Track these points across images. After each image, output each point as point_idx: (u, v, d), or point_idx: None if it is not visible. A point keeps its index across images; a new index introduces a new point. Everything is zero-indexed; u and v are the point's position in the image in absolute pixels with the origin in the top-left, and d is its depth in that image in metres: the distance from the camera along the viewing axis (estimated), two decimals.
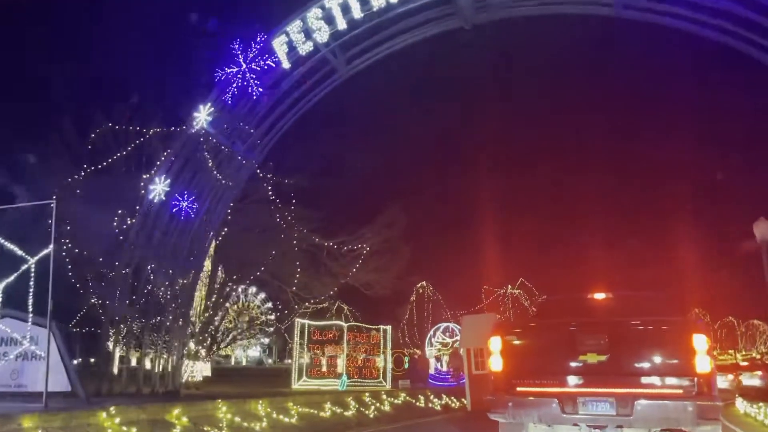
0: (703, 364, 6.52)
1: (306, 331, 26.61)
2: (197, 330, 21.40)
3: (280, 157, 21.93)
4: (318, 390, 24.30)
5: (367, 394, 19.51)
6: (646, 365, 6.87)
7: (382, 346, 28.47)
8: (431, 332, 40.68)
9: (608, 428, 6.75)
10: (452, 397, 23.57)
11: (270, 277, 24.59)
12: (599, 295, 8.71)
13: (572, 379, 6.96)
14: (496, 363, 7.37)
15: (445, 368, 36.66)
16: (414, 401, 21.64)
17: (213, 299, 21.87)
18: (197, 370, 21.54)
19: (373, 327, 30.14)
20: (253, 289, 38.60)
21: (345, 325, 28.16)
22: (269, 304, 41.53)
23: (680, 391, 6.53)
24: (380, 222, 24.58)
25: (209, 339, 21.70)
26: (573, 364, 6.99)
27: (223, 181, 18.24)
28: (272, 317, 40.28)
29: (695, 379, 6.52)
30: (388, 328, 29.44)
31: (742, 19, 14.32)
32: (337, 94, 19.93)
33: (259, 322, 38.78)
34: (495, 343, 7.38)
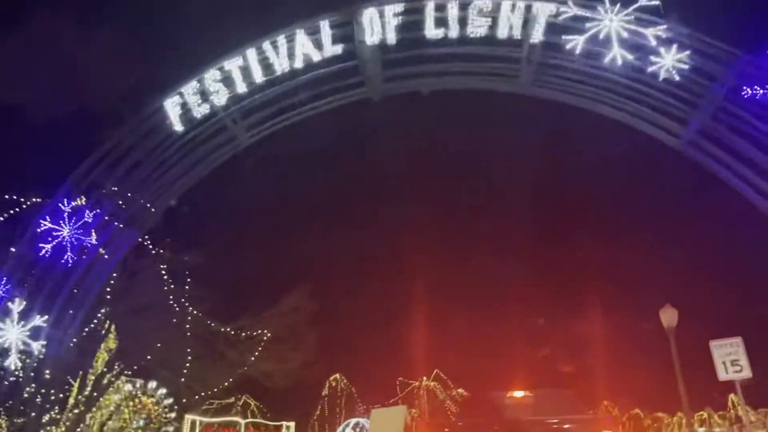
0: None
1: (197, 428, 23.61)
2: (63, 430, 18.16)
3: (175, 228, 20.08)
4: None
5: None
6: None
7: None
8: (340, 429, 37.81)
9: None
10: None
11: (158, 366, 21.84)
12: (517, 394, 9.01)
13: None
14: None
15: None
16: None
17: (86, 392, 18.83)
18: None
19: (275, 423, 27.37)
20: (153, 383, 34.55)
21: (242, 421, 25.35)
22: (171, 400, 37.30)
23: None
24: (285, 306, 22.69)
25: None
26: None
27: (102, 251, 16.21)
28: (173, 415, 36.09)
29: None
30: (292, 424, 26.74)
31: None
32: (242, 162, 18.75)
33: (155, 423, 34.41)
34: None
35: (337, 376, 64.55)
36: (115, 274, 18.55)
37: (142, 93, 15.87)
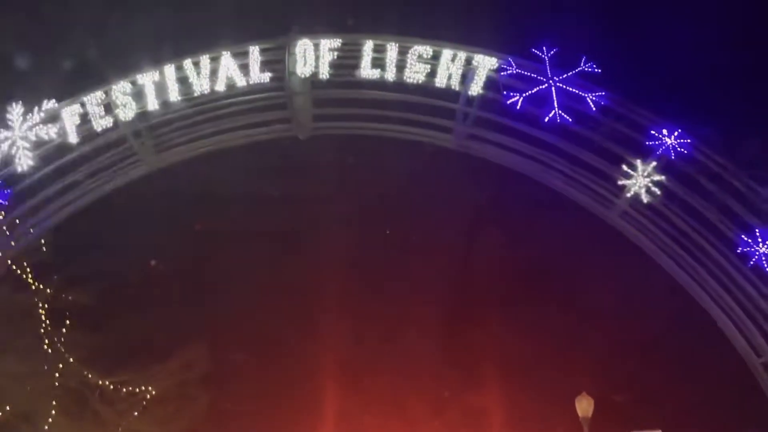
0: None
1: None
2: None
3: (61, 260, 17.63)
4: None
5: None
6: None
7: None
8: None
9: None
10: None
11: (18, 420, 18.60)
12: None
13: None
14: None
15: None
16: None
17: None
18: None
19: None
20: None
21: None
22: None
23: None
24: (178, 360, 20.08)
25: None
26: None
27: None
28: None
29: None
30: None
31: None
32: (149, 192, 16.98)
33: None
34: None
35: None
36: None
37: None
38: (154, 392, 19.40)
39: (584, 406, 15.44)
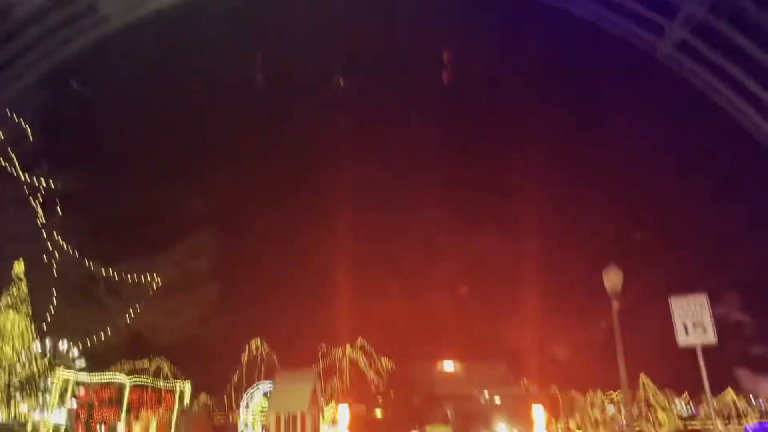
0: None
1: (70, 386, 20.22)
2: None
3: (47, 144, 16.55)
4: None
5: None
6: None
7: (177, 408, 22.57)
8: (248, 394, 34.99)
9: None
10: None
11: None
12: (444, 365, 8.69)
13: None
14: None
15: None
16: None
17: None
18: None
19: (166, 385, 24.21)
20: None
21: (127, 381, 21.99)
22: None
23: None
24: (182, 249, 19.46)
25: None
26: None
27: None
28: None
29: None
30: (187, 386, 23.64)
31: None
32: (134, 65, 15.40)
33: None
34: (342, 412, 7.27)
35: (258, 341, 61.75)
36: None
37: None
38: (160, 282, 18.91)
39: (613, 278, 14.54)
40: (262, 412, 31.14)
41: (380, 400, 7.82)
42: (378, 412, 7.45)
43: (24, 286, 19.81)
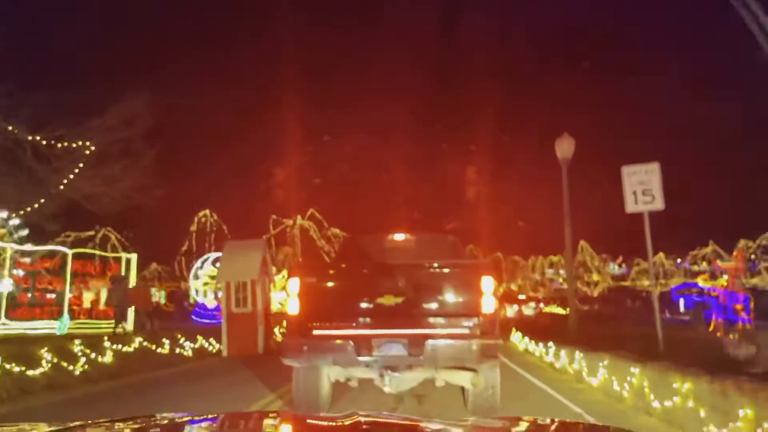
0: (488, 304, 6.73)
1: (8, 258, 19.60)
2: None
3: None
4: (23, 335, 18.06)
5: (77, 341, 14.11)
6: (438, 307, 6.97)
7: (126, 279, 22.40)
8: (198, 263, 35.26)
9: (399, 369, 6.87)
10: (211, 339, 19.00)
11: None
12: (397, 237, 8.81)
13: (367, 322, 6.88)
14: (293, 305, 6.99)
15: (214, 304, 31.77)
16: (155, 347, 16.60)
17: None
18: None
19: (111, 255, 23.87)
20: None
21: (69, 251, 21.46)
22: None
23: (466, 331, 6.72)
24: (116, 114, 18.12)
25: None
26: (370, 307, 6.93)
27: None
28: None
29: (480, 319, 6.72)
30: (133, 256, 23.35)
31: None
32: None
33: None
34: (293, 285, 7.02)
35: (207, 211, 61.52)
36: None
37: None
38: (93, 148, 17.74)
39: (564, 147, 14.55)
40: (212, 278, 31.59)
41: (331, 272, 7.65)
42: (329, 284, 7.29)
43: None
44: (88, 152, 17.61)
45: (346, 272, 7.45)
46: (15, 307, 19.60)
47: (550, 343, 13.61)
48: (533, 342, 16.16)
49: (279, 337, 22.18)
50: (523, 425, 2.37)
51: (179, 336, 18.05)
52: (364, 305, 6.93)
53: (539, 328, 20.18)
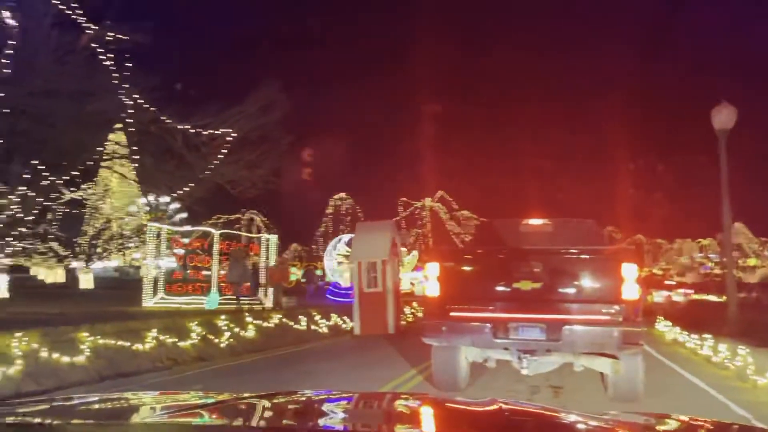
0: (630, 291, 6.57)
1: (163, 238, 21.46)
2: None
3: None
4: (177, 309, 19.70)
5: (223, 316, 15.16)
6: (576, 292, 6.87)
7: (266, 259, 23.72)
8: (332, 243, 36.45)
9: (537, 352, 6.94)
10: (345, 317, 19.61)
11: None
12: (534, 222, 8.73)
13: (505, 305, 6.96)
14: (432, 288, 7.27)
15: (347, 283, 32.75)
16: (293, 323, 17.42)
17: (20, 192, 16.08)
18: None
19: (253, 236, 25.35)
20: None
21: (216, 232, 23.06)
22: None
23: (607, 317, 6.58)
24: (254, 102, 19.05)
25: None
26: (507, 291, 7.00)
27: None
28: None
29: (622, 306, 6.57)
30: (273, 237, 24.61)
31: None
32: None
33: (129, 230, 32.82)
34: (432, 269, 7.29)
35: (342, 194, 63.62)
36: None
37: None
38: (234, 135, 18.77)
39: (723, 117, 13.09)
40: (346, 258, 32.58)
41: (469, 257, 7.93)
42: (466, 268, 7.53)
43: (123, 149, 20.52)
44: (230, 139, 18.64)
45: (483, 257, 7.68)
46: (171, 284, 21.44)
47: (707, 335, 12.33)
48: (685, 332, 14.83)
49: (409, 318, 22.35)
50: (672, 423, 2.15)
51: (314, 313, 18.76)
52: (501, 289, 7.07)
53: (690, 317, 18.47)
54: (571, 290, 6.91)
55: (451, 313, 7.11)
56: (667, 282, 35.91)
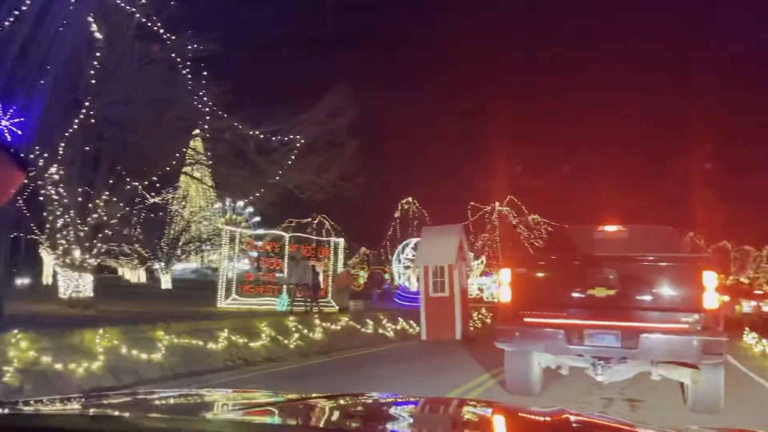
0: (710, 300, 6.42)
1: (237, 241, 22.17)
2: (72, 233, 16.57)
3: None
4: (249, 310, 20.29)
5: (291, 319, 15.47)
6: (653, 300, 6.75)
7: (332, 262, 24.09)
8: (399, 248, 36.49)
9: (612, 360, 6.81)
10: (412, 322, 19.57)
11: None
12: (609, 228, 8.65)
13: (579, 312, 6.94)
14: (505, 294, 7.36)
15: (414, 287, 32.74)
16: (360, 326, 17.56)
17: (104, 197, 17.00)
18: (84, 284, 17.14)
19: (323, 239, 25.75)
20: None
21: (287, 235, 23.64)
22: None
23: (686, 326, 6.45)
24: (322, 107, 19.34)
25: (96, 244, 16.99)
26: (581, 297, 6.97)
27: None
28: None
29: (702, 314, 6.43)
30: (340, 241, 24.99)
31: None
32: None
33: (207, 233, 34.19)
34: (504, 276, 7.37)
35: (410, 199, 63.77)
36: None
37: None
38: (303, 140, 19.12)
39: None
40: (413, 261, 32.52)
41: (542, 263, 7.97)
42: (540, 274, 7.58)
43: (200, 155, 21.39)
44: (299, 144, 18.98)
45: (557, 263, 7.66)
46: (244, 285, 22.10)
47: None
48: None
49: (477, 324, 22.00)
50: None
51: (382, 317, 18.80)
52: (575, 296, 7.05)
53: None
54: (648, 298, 6.80)
55: (525, 319, 7.19)
56: (756, 291, 33.75)
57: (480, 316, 22.89)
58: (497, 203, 61.26)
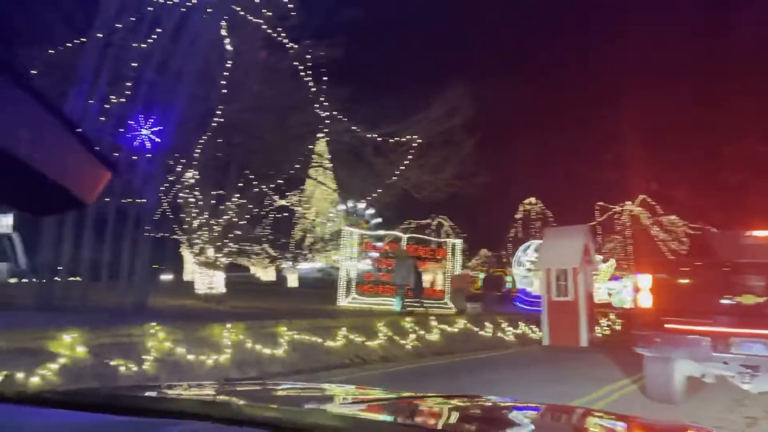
0: None
1: (355, 240, 22.63)
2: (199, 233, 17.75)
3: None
4: (369, 309, 20.66)
5: (408, 319, 15.50)
6: None
7: (451, 263, 23.85)
8: (520, 250, 35.39)
9: (761, 368, 6.58)
10: (533, 326, 18.90)
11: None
12: (759, 233, 8.30)
13: (725, 319, 6.77)
14: (645, 299, 7.30)
15: (536, 291, 31.54)
16: (477, 329, 17.22)
17: (234, 199, 18.09)
18: (217, 281, 18.34)
19: (440, 240, 25.58)
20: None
21: (404, 236, 23.76)
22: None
23: None
24: (438, 106, 19.21)
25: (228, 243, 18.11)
26: (728, 304, 6.83)
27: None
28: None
29: None
30: (458, 242, 24.68)
31: None
32: None
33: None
34: (644, 281, 7.33)
35: (532, 199, 61.92)
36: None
37: None
38: (419, 141, 19.10)
39: None
40: (534, 264, 31.40)
41: (684, 269, 7.75)
42: (682, 280, 7.44)
43: (322, 158, 22.20)
44: (415, 144, 18.99)
45: (701, 270, 7.49)
46: (363, 285, 22.52)
47: None
48: None
49: (606, 330, 20.71)
50: None
51: (501, 321, 18.28)
52: (720, 303, 6.92)
53: None
54: None
55: (666, 325, 7.09)
56: None
57: (609, 323, 21.55)
58: (629, 203, 57.71)
